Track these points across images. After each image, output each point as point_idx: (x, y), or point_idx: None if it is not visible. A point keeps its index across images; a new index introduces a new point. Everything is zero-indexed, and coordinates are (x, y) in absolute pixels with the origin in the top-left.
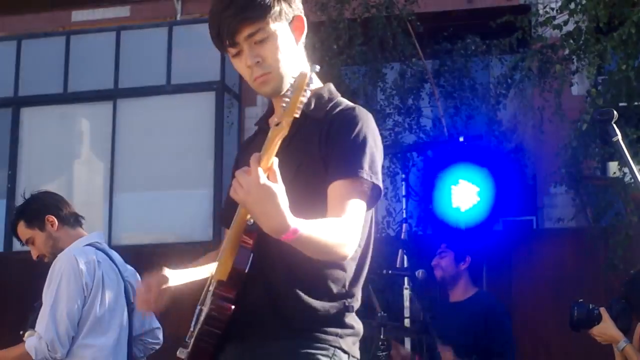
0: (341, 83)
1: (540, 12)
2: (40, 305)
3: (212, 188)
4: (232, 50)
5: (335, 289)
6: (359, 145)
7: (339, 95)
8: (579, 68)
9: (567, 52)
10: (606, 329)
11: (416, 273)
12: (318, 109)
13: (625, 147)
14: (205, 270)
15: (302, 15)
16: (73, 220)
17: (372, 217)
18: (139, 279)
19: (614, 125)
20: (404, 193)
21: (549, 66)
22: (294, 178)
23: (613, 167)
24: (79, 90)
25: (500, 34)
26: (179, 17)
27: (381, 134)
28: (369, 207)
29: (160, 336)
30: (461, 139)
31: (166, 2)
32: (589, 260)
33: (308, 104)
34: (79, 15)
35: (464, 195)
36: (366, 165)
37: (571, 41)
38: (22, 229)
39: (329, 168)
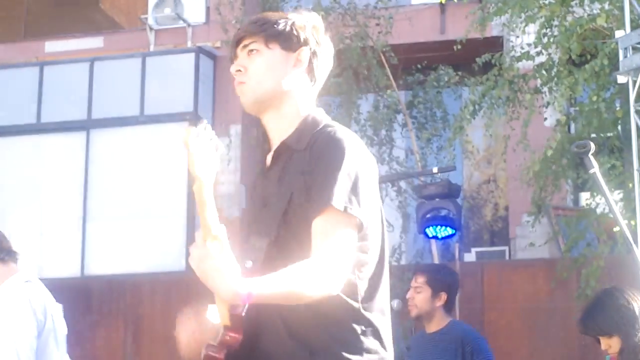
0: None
1: (517, 48)
2: None
3: (186, 218)
4: (232, 57)
5: (346, 313)
6: (331, 173)
7: (320, 120)
8: (551, 100)
9: (539, 83)
10: None
11: (391, 303)
12: (300, 141)
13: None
14: None
15: (311, 50)
16: (5, 254)
17: (381, 237)
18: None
19: (591, 157)
20: None
21: (519, 95)
22: (284, 216)
23: (585, 197)
24: (52, 120)
25: (474, 64)
26: (152, 48)
27: None
28: (356, 232)
29: None
30: (435, 170)
31: (139, 33)
32: (561, 290)
33: (295, 139)
34: (53, 46)
35: (438, 227)
36: (340, 194)
37: (543, 72)
38: None
39: (310, 203)
